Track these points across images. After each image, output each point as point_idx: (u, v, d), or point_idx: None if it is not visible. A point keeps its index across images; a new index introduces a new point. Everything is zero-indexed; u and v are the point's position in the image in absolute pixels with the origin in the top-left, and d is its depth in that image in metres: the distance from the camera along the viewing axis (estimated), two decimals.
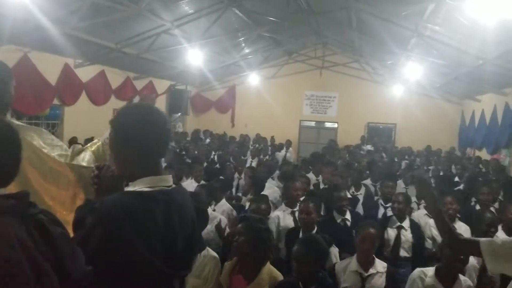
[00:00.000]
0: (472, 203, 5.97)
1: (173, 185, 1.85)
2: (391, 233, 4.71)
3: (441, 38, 8.68)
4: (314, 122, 17.57)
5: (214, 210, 5.25)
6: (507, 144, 10.95)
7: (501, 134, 10.99)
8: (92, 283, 1.51)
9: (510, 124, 10.52)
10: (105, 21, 8.32)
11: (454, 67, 10.35)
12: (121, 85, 12.39)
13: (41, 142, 2.21)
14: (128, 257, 1.58)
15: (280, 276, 3.02)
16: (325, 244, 3.07)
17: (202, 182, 6.21)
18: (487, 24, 6.24)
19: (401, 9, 8.25)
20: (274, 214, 4.84)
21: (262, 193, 5.68)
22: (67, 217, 1.98)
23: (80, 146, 2.35)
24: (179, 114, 16.06)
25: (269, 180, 7.07)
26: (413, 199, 5.77)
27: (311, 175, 7.67)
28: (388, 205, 5.64)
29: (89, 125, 9.65)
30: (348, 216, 5.00)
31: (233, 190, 7.45)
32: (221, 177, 7.25)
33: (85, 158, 2.25)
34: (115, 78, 12.15)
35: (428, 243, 4.80)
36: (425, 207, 4.97)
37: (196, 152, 9.98)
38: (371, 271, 3.40)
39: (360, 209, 5.77)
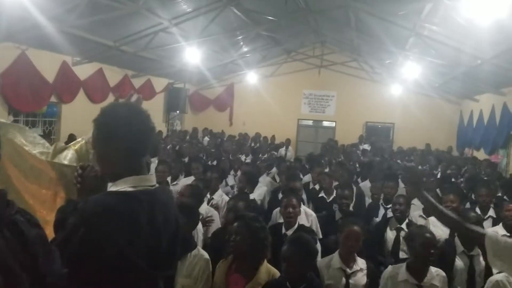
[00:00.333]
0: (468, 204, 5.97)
1: (156, 185, 1.85)
2: (390, 234, 4.73)
3: (439, 38, 8.68)
4: (312, 121, 17.56)
5: (212, 199, 5.29)
6: (504, 144, 10.95)
7: (498, 134, 10.98)
8: (74, 283, 1.51)
9: (507, 124, 10.51)
10: (103, 19, 8.31)
11: (452, 67, 10.35)
12: (119, 83, 12.39)
13: (22, 140, 2.19)
14: (110, 258, 1.57)
15: (278, 274, 3.02)
16: (314, 243, 3.07)
17: None
18: (482, 24, 6.25)
19: (399, 8, 8.25)
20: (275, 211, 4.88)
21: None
22: (47, 217, 1.98)
23: (62, 144, 2.33)
24: (177, 112, 16.07)
25: (263, 176, 7.08)
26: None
27: (309, 176, 7.69)
28: (388, 206, 5.65)
29: (87, 123, 9.35)
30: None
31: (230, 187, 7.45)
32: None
33: (67, 157, 2.23)
34: (113, 76, 12.14)
35: None
36: (421, 201, 4.98)
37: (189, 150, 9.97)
38: (355, 268, 3.43)
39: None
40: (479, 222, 4.27)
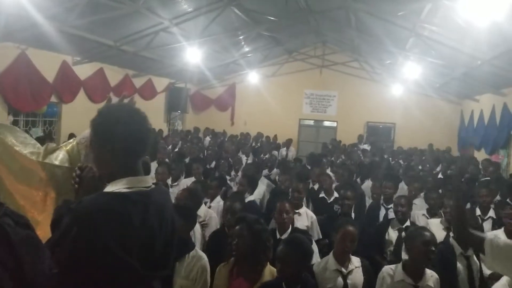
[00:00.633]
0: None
1: (152, 186, 1.85)
2: (392, 235, 4.72)
3: (439, 38, 8.67)
4: (314, 121, 17.55)
5: (209, 207, 5.26)
6: (505, 144, 10.93)
7: (499, 134, 10.96)
8: (68, 283, 1.51)
9: (508, 125, 10.49)
10: (103, 19, 8.31)
11: (452, 67, 10.34)
12: (119, 82, 12.38)
13: (13, 140, 2.19)
14: (103, 258, 1.58)
15: None
16: (309, 244, 3.06)
17: None
18: (480, 26, 6.24)
19: (398, 9, 8.24)
20: None
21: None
22: (38, 217, 1.98)
23: (53, 145, 2.32)
24: (179, 112, 16.07)
25: (262, 179, 7.07)
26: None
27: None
28: (389, 206, 5.65)
29: (87, 122, 9.43)
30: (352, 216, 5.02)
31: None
32: (216, 174, 7.27)
33: (59, 157, 2.23)
34: (114, 75, 12.14)
35: None
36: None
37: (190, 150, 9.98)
38: (350, 267, 3.43)
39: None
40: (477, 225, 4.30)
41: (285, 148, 13.63)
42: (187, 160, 8.55)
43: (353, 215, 5.14)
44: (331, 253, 3.54)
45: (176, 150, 10.73)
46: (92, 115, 1.84)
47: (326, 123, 17.48)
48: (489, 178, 7.75)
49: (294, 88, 16.95)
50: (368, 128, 16.79)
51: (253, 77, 16.66)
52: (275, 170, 8.80)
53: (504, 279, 2.53)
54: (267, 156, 10.93)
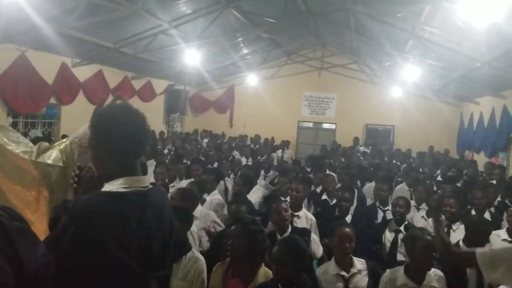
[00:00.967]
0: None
1: (150, 186, 1.85)
2: (388, 236, 4.71)
3: (438, 41, 8.67)
4: (313, 123, 17.54)
5: (204, 200, 5.27)
6: (504, 147, 10.93)
7: (498, 137, 10.95)
8: (64, 282, 1.51)
9: (508, 127, 10.49)
10: (102, 21, 8.33)
11: (451, 69, 10.34)
12: (119, 84, 12.39)
13: (5, 139, 2.17)
14: (100, 257, 1.59)
15: None
16: (304, 245, 3.04)
17: None
18: (479, 27, 6.25)
19: (397, 11, 8.25)
20: None
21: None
22: (31, 217, 1.97)
23: (46, 144, 2.31)
24: (178, 114, 16.07)
25: (260, 179, 7.06)
26: (413, 203, 5.75)
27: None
28: (386, 208, 5.64)
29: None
30: (349, 218, 5.00)
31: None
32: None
33: (51, 156, 2.21)
34: (113, 77, 12.15)
35: None
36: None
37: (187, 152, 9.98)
38: (352, 271, 3.38)
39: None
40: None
41: (281, 150, 13.60)
42: (187, 162, 8.52)
43: (350, 217, 5.12)
44: (332, 258, 3.51)
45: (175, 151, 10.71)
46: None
47: (325, 125, 17.47)
48: (493, 181, 7.67)
49: (293, 90, 16.96)
50: (367, 130, 16.78)
51: (252, 79, 16.67)
52: (271, 172, 8.78)
53: None
54: (264, 157, 10.93)
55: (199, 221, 4.72)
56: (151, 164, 6.72)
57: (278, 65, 16.94)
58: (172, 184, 6.55)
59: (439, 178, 8.79)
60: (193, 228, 3.94)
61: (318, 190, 6.82)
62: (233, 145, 12.66)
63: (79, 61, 10.58)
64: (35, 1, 6.73)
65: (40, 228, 1.76)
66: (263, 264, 3.06)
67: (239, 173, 7.46)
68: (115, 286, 1.66)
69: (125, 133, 1.76)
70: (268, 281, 2.91)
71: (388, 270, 3.47)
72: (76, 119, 10.30)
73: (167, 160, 8.35)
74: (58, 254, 1.53)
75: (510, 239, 4.36)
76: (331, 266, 3.46)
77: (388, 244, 4.66)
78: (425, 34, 8.87)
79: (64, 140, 2.33)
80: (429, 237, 3.30)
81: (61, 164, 2.19)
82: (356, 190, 6.30)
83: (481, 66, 8.80)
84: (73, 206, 1.64)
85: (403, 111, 15.79)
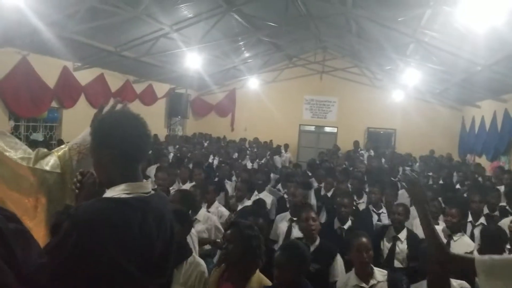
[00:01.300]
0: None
1: (152, 192, 1.85)
2: (386, 243, 4.65)
3: (439, 44, 8.67)
4: (314, 127, 17.55)
5: (208, 212, 5.24)
6: (506, 151, 10.90)
7: (500, 140, 10.94)
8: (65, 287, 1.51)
9: (509, 131, 10.47)
10: (103, 25, 8.36)
11: (453, 73, 10.34)
12: (120, 88, 12.42)
13: (3, 145, 2.15)
14: (102, 264, 1.58)
15: (269, 283, 2.96)
16: (307, 250, 3.01)
17: None
18: (480, 31, 6.25)
19: (399, 15, 8.25)
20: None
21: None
22: (29, 224, 1.95)
23: (45, 150, 2.30)
24: (179, 117, 16.09)
25: (268, 189, 7.01)
26: (413, 208, 5.71)
27: (312, 181, 7.64)
28: (380, 211, 5.60)
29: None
30: (348, 224, 4.96)
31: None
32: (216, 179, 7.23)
33: (50, 163, 2.19)
34: (115, 81, 12.18)
35: None
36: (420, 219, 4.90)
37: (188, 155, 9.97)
38: (372, 282, 3.32)
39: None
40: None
41: (283, 153, 13.57)
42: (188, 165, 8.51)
43: (350, 222, 5.08)
44: (353, 269, 3.46)
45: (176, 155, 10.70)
46: None
47: (327, 129, 17.47)
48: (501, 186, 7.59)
49: (294, 94, 16.97)
50: (369, 134, 16.77)
51: (253, 83, 16.68)
52: (272, 175, 8.75)
53: None
54: (263, 161, 10.92)
55: (202, 225, 4.72)
56: (153, 168, 6.72)
57: (279, 68, 16.95)
58: (172, 187, 6.53)
59: (440, 181, 8.74)
60: (193, 231, 3.92)
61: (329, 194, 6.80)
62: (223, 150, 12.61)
63: (81, 65, 10.61)
64: (36, 5, 6.75)
65: (38, 235, 1.75)
66: (258, 271, 3.01)
67: (240, 178, 7.43)
68: None
69: (126, 138, 1.75)
70: (269, 286, 2.89)
71: (412, 286, 3.39)
72: (78, 122, 10.25)
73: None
74: (60, 259, 1.53)
75: (509, 247, 4.29)
76: (351, 277, 3.41)
77: (386, 251, 4.61)
78: (426, 38, 8.88)
79: (63, 146, 2.31)
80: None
81: (58, 170, 2.17)
82: (365, 195, 6.29)
83: (482, 70, 8.79)
84: (76, 212, 1.62)
85: (404, 115, 15.78)
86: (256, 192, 6.23)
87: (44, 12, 7.01)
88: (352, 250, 3.42)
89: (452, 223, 4.62)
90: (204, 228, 4.67)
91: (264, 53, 14.60)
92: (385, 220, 5.55)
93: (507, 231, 4.21)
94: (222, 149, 12.04)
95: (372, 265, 3.42)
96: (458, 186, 8.43)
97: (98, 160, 1.81)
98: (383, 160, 12.07)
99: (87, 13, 7.72)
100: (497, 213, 5.89)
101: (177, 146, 12.19)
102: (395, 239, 4.61)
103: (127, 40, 9.93)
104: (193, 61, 11.13)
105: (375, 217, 5.70)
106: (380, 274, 3.39)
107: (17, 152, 2.16)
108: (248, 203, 5.67)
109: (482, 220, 5.44)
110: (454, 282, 3.17)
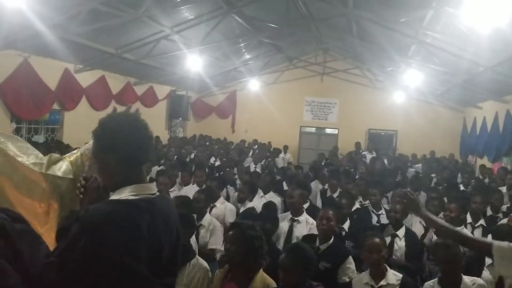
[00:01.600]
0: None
1: (157, 193, 1.87)
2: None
3: (441, 45, 8.66)
4: (315, 128, 17.53)
5: (214, 206, 5.23)
6: (508, 152, 10.88)
7: (502, 141, 10.92)
8: None
9: (511, 132, 10.46)
10: (104, 27, 8.35)
11: (455, 74, 10.32)
12: (121, 90, 12.42)
13: (15, 150, 2.14)
14: (112, 266, 1.59)
15: (273, 284, 2.96)
16: (312, 252, 3.01)
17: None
18: (483, 32, 6.24)
19: (400, 16, 8.24)
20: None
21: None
22: (40, 230, 1.94)
23: (57, 155, 2.29)
24: (180, 119, 16.09)
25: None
26: None
27: (316, 183, 7.64)
28: (379, 212, 5.60)
29: (89, 130, 9.37)
30: (346, 225, 4.96)
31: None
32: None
33: (62, 168, 2.19)
34: (116, 83, 12.18)
35: None
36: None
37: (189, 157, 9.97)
38: (382, 283, 3.35)
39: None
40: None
41: (282, 154, 13.55)
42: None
43: (348, 222, 5.08)
44: (369, 268, 3.52)
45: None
46: (94, 122, 1.85)
47: (328, 131, 17.45)
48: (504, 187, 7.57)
49: (295, 95, 16.95)
50: (370, 136, 16.75)
51: (254, 85, 16.67)
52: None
53: None
54: (263, 162, 10.92)
55: (205, 232, 4.68)
56: (156, 170, 6.70)
57: (280, 70, 16.94)
58: (172, 189, 6.50)
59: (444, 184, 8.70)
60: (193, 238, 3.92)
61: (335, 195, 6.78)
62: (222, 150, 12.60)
63: (82, 67, 10.61)
64: (38, 8, 6.74)
65: (49, 241, 1.74)
66: (261, 271, 3.03)
67: (242, 180, 7.42)
68: None
69: (129, 141, 1.77)
70: None
71: (426, 283, 3.39)
72: (79, 124, 10.33)
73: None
74: (69, 263, 1.55)
75: None
76: (365, 275, 3.48)
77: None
78: (428, 39, 8.86)
79: (75, 151, 2.31)
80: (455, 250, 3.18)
81: (71, 176, 2.17)
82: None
83: (484, 71, 8.78)
84: (84, 216, 1.64)
85: (405, 116, 15.75)
86: (262, 193, 6.21)
87: (46, 14, 7.00)
88: (364, 250, 3.47)
89: (451, 218, 4.67)
90: (208, 234, 4.65)
91: (265, 55, 14.59)
92: (384, 221, 5.57)
93: None
94: (221, 150, 12.04)
95: (387, 267, 3.43)
96: (462, 187, 8.41)
97: (102, 163, 1.83)
98: (385, 161, 12.02)
99: (88, 15, 7.71)
100: (500, 214, 5.86)
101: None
102: (393, 236, 4.65)
103: (128, 42, 9.93)
104: (193, 63, 11.13)
105: (374, 218, 5.71)
106: (393, 277, 3.41)
107: (29, 157, 2.16)
108: (250, 204, 5.67)
109: (482, 221, 5.42)
110: (467, 278, 3.19)
